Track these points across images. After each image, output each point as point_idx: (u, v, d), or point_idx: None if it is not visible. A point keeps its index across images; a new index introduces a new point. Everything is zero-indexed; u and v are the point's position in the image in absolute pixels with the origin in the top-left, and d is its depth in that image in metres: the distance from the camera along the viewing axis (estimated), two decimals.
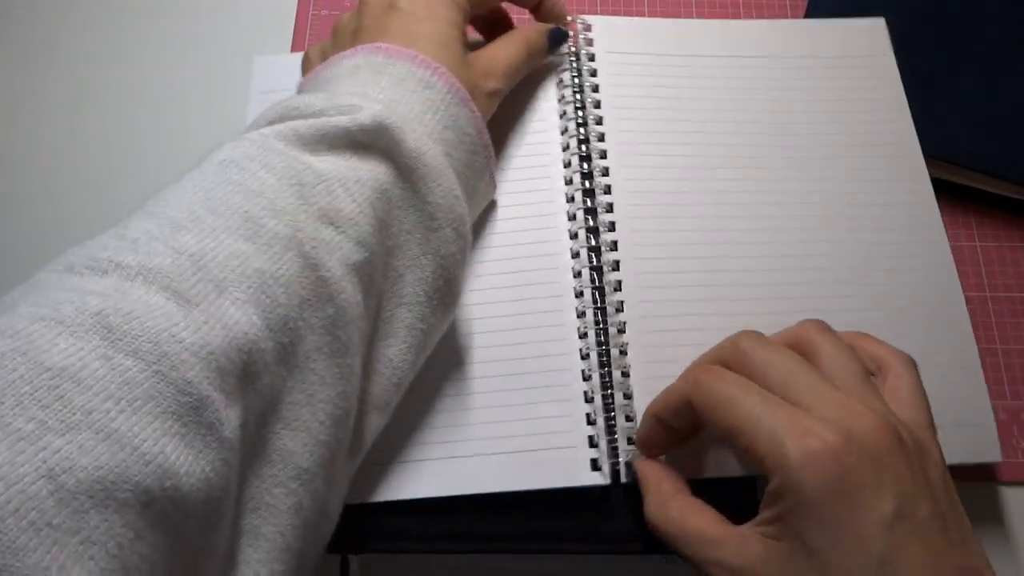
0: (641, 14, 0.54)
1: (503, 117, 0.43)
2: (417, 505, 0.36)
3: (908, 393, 0.32)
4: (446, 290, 0.34)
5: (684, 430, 0.33)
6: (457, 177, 0.34)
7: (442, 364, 0.38)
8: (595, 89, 0.44)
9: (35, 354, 0.22)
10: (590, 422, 0.37)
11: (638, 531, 0.35)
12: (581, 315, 0.39)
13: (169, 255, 0.26)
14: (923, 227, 0.42)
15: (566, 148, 0.43)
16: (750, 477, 0.36)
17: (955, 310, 0.40)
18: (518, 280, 0.40)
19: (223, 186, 0.29)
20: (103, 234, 0.27)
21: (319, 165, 0.31)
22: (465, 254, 0.35)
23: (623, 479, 0.36)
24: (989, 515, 0.41)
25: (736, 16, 0.54)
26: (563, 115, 0.44)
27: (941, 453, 0.31)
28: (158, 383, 0.24)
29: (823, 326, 0.33)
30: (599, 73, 0.44)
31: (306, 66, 0.41)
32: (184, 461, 0.23)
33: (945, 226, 0.47)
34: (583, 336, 0.39)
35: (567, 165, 0.42)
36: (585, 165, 0.42)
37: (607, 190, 0.41)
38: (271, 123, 0.32)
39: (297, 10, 0.54)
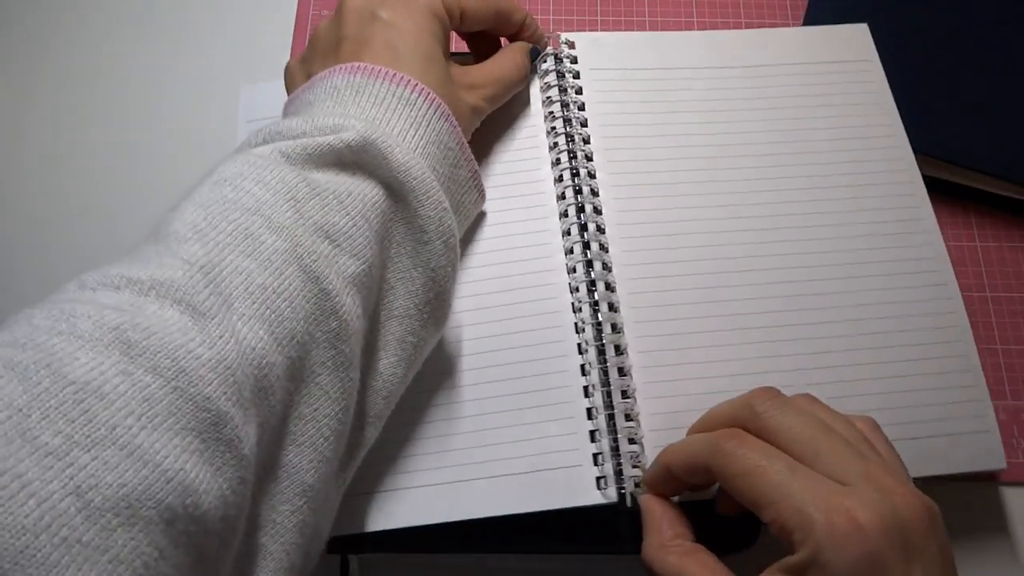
0: (641, 21, 0.54)
1: (491, 139, 0.43)
2: None
3: (890, 457, 0.31)
4: (436, 303, 0.34)
5: (697, 484, 0.33)
6: (444, 191, 0.34)
7: (440, 387, 0.38)
8: (581, 107, 0.44)
9: (58, 367, 0.22)
10: (593, 440, 0.37)
11: (637, 533, 0.35)
12: (580, 331, 0.39)
13: (180, 267, 0.26)
14: (918, 231, 0.42)
15: (556, 163, 0.43)
16: None
17: (954, 316, 0.40)
18: (514, 298, 0.40)
19: (219, 204, 0.29)
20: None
21: (311, 178, 0.31)
22: (455, 267, 0.35)
23: (628, 503, 0.35)
24: (990, 516, 0.41)
25: (737, 23, 0.54)
26: (551, 132, 0.43)
27: None
28: (177, 399, 0.24)
29: (778, 401, 0.32)
30: (584, 90, 0.44)
31: (288, 81, 0.40)
32: (204, 478, 0.23)
33: (945, 226, 0.47)
34: (583, 352, 0.38)
35: (559, 180, 0.42)
36: (576, 182, 0.42)
37: (598, 209, 0.41)
38: (256, 146, 0.32)
39: (297, 10, 0.54)
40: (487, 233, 0.41)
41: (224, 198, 0.29)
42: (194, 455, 0.23)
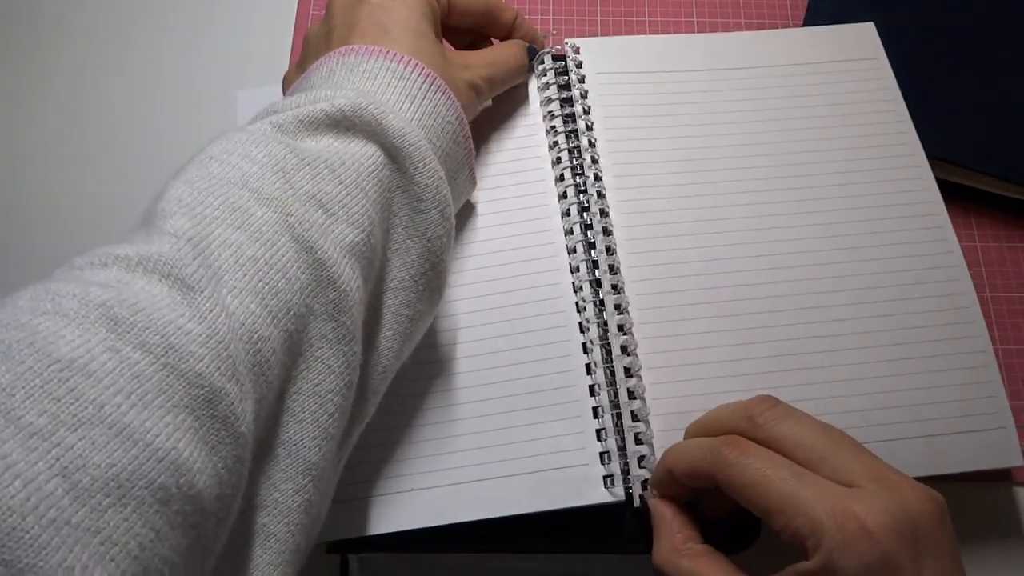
0: (640, 21, 0.54)
1: (493, 141, 0.44)
2: None
3: None
4: (432, 274, 0.33)
5: (700, 488, 0.33)
6: (440, 163, 0.34)
7: (444, 388, 0.38)
8: (587, 111, 0.44)
9: (42, 345, 0.22)
10: (600, 438, 0.37)
11: (643, 532, 0.35)
12: (585, 330, 0.39)
13: (167, 241, 0.26)
14: (932, 226, 0.42)
15: (557, 162, 0.43)
16: None
17: (969, 311, 0.40)
18: (517, 299, 0.40)
19: (205, 180, 0.28)
20: None
21: (301, 148, 0.30)
22: (451, 237, 0.34)
23: (636, 503, 0.35)
24: (1003, 515, 0.41)
25: (737, 23, 0.54)
26: (551, 132, 0.43)
27: None
28: (167, 376, 0.23)
29: (778, 410, 0.32)
30: (590, 94, 0.45)
31: (285, 87, 0.40)
32: (198, 457, 0.23)
33: None
34: (588, 351, 0.38)
35: (560, 179, 0.42)
36: (577, 181, 0.42)
37: (604, 211, 0.41)
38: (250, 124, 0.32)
39: (297, 10, 0.54)
40: (490, 233, 0.41)
41: (211, 174, 0.28)
42: (187, 433, 0.23)
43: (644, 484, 0.35)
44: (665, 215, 0.42)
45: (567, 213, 0.41)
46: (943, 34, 0.50)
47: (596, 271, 0.40)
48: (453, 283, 0.40)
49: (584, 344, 0.38)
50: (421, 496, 0.35)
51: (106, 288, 0.24)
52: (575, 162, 0.42)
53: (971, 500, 0.40)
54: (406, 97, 0.34)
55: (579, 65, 0.45)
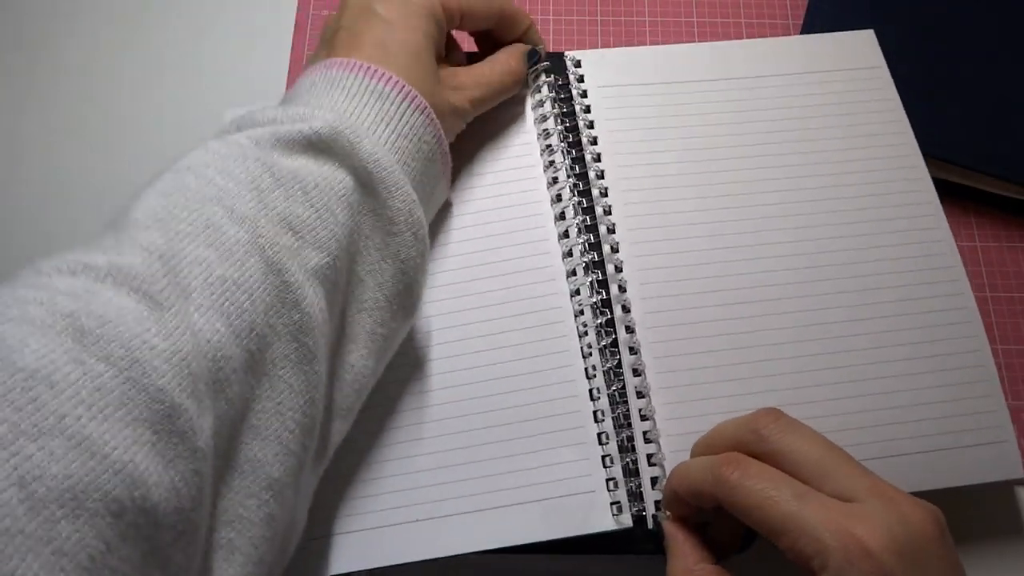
0: (640, 21, 0.54)
1: (488, 161, 0.43)
2: None
3: None
4: (406, 294, 0.34)
5: (705, 508, 0.33)
6: (413, 185, 0.34)
7: (446, 416, 0.37)
8: (590, 125, 0.44)
9: (6, 353, 0.22)
10: (605, 464, 0.37)
11: (645, 532, 0.36)
12: (587, 355, 0.38)
13: (139, 254, 0.26)
14: (933, 240, 0.42)
15: (554, 182, 0.42)
16: None
17: (971, 327, 0.40)
18: (520, 323, 0.39)
19: (180, 192, 0.28)
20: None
21: (277, 168, 0.31)
22: (424, 258, 0.35)
23: (650, 525, 0.36)
24: (1004, 516, 0.41)
25: (736, 23, 0.54)
26: (549, 152, 0.43)
27: None
28: (129, 390, 0.23)
29: (783, 423, 0.32)
30: (593, 108, 0.44)
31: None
32: (154, 470, 0.23)
33: None
34: (590, 377, 0.38)
35: (557, 200, 0.42)
36: (582, 201, 0.42)
37: (612, 228, 0.41)
38: (228, 133, 0.33)
39: (297, 10, 0.54)
40: (485, 258, 0.41)
41: (186, 186, 0.29)
42: (144, 447, 0.23)
43: (657, 505, 0.36)
44: (673, 230, 0.41)
45: (565, 235, 0.41)
46: (943, 33, 0.50)
47: (603, 292, 0.39)
48: (450, 309, 0.39)
49: (586, 370, 0.38)
50: (425, 526, 0.35)
51: (74, 297, 0.24)
52: (575, 180, 0.42)
53: (971, 500, 0.41)
54: (383, 118, 0.34)
55: (580, 79, 0.45)
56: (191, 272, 0.27)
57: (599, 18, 0.54)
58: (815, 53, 0.47)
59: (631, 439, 0.37)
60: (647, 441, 0.37)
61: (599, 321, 0.39)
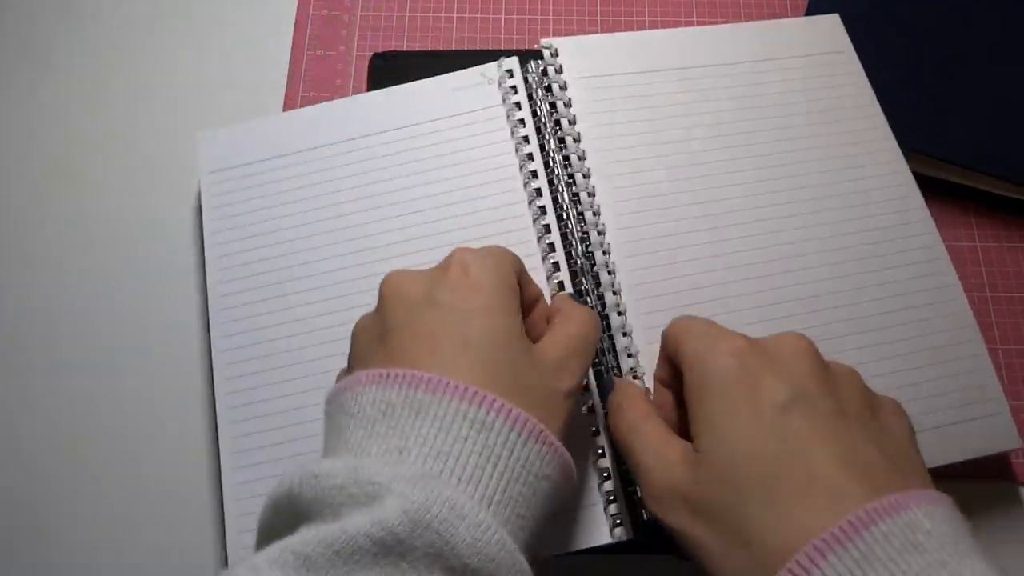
0: (640, 20, 0.54)
1: (473, 170, 0.43)
2: None
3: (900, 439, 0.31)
4: None
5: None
6: (528, 541, 0.27)
7: None
8: (572, 121, 0.43)
9: None
10: (606, 477, 0.36)
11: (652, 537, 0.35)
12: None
13: None
14: (910, 221, 0.42)
15: (538, 194, 0.42)
16: None
17: (953, 301, 0.40)
18: None
19: None
20: None
21: None
22: None
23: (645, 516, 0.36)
24: (1007, 516, 0.41)
25: (736, 16, 0.54)
26: (525, 147, 0.43)
27: (900, 412, 0.31)
28: None
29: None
30: (574, 102, 0.43)
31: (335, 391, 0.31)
32: None
33: (945, 226, 0.47)
34: (587, 389, 0.38)
35: (542, 209, 0.41)
36: (565, 201, 0.41)
37: (601, 232, 0.41)
38: (275, 534, 0.26)
39: (297, 10, 0.54)
40: None
41: None
42: None
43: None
44: (664, 227, 0.41)
45: (551, 247, 0.40)
46: (944, 33, 0.50)
47: (601, 302, 0.39)
48: None
49: (586, 383, 0.38)
50: None
51: None
52: (558, 179, 0.42)
53: (974, 500, 0.40)
54: (489, 458, 0.27)
55: (559, 70, 0.44)
56: None
57: (599, 18, 0.54)
58: (786, 38, 0.47)
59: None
60: None
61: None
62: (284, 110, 0.51)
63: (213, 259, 0.42)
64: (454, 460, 0.26)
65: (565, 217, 0.41)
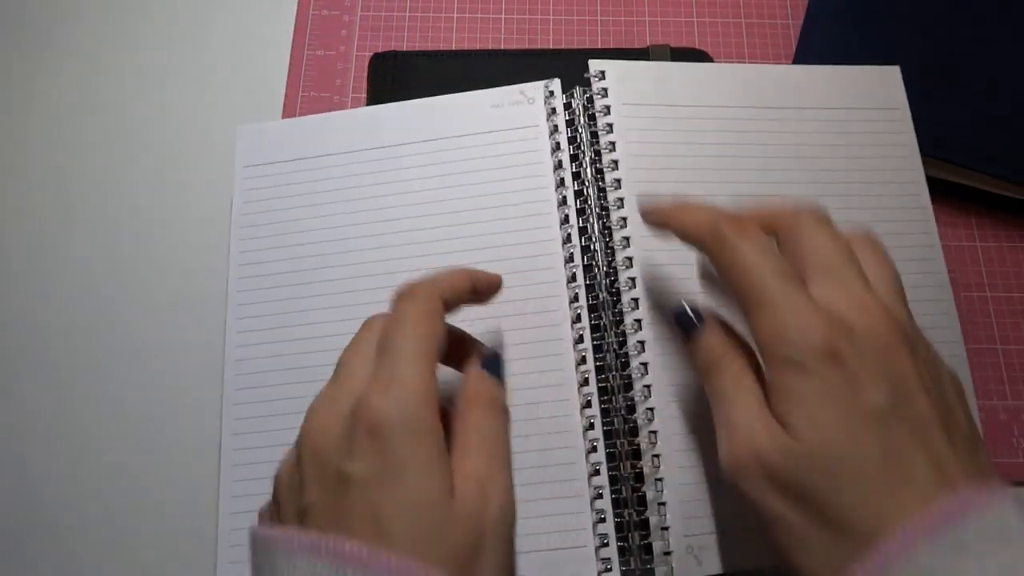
0: (641, 20, 0.54)
1: (505, 189, 0.42)
2: None
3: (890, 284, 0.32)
4: None
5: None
6: None
7: None
8: (611, 147, 0.42)
9: None
10: (601, 520, 0.36)
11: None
12: (587, 405, 0.38)
13: None
14: (931, 280, 0.42)
15: (564, 221, 0.41)
16: None
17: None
18: (521, 368, 0.39)
19: None
20: None
21: None
22: None
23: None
24: None
25: (736, 22, 0.54)
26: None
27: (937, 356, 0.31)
28: None
29: (820, 219, 0.32)
30: (615, 128, 0.42)
31: (258, 537, 0.29)
32: None
33: (945, 226, 0.47)
34: (592, 427, 0.38)
35: (567, 242, 0.41)
36: (604, 240, 0.41)
37: (628, 263, 0.40)
38: None
39: (297, 10, 0.54)
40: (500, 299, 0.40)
41: None
42: None
43: (666, 555, 0.35)
44: (686, 281, 0.39)
45: (572, 278, 0.40)
46: (944, 32, 0.50)
47: (619, 343, 0.39)
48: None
49: (592, 422, 0.38)
50: None
51: None
52: (590, 208, 0.41)
53: None
54: None
55: (603, 94, 0.43)
56: None
57: (599, 18, 0.54)
58: (842, 86, 0.45)
59: (637, 492, 0.36)
60: (640, 505, 0.36)
61: (613, 373, 0.38)
62: (284, 110, 0.51)
63: (237, 254, 0.43)
64: None
65: (593, 248, 0.41)
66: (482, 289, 0.35)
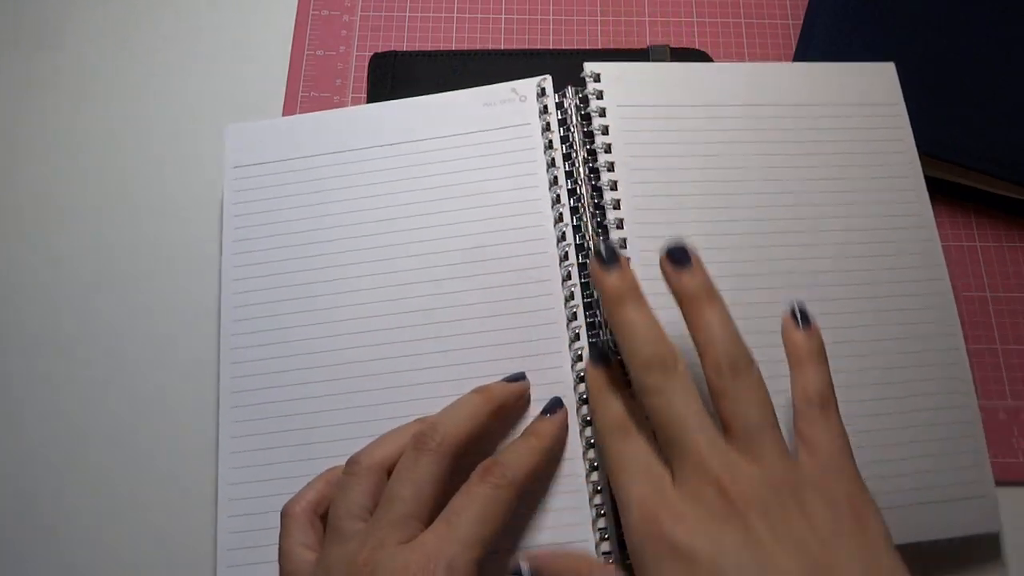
0: (641, 20, 0.54)
1: (498, 187, 0.42)
2: None
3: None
4: None
5: None
6: None
7: None
8: (607, 148, 0.42)
9: None
10: (601, 514, 0.36)
11: None
12: (583, 402, 0.38)
13: None
14: (931, 281, 0.41)
15: (559, 219, 0.41)
16: None
17: (959, 368, 0.40)
18: (515, 367, 0.39)
19: None
20: None
21: None
22: None
23: None
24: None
25: (736, 22, 0.54)
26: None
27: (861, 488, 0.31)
28: None
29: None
30: (611, 131, 0.42)
31: None
32: None
33: (945, 226, 0.47)
34: (586, 425, 0.38)
35: (561, 238, 0.41)
36: (587, 233, 0.40)
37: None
38: None
39: (297, 10, 0.54)
40: (485, 296, 0.40)
41: None
42: None
43: None
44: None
45: (568, 277, 0.40)
46: (944, 32, 0.50)
47: (615, 342, 0.38)
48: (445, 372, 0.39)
49: (589, 419, 0.38)
50: None
51: None
52: (584, 207, 0.41)
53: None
54: None
55: (599, 96, 0.43)
56: None
57: (599, 18, 0.54)
58: (838, 83, 0.45)
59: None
60: None
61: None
62: (284, 110, 0.51)
63: (229, 256, 0.42)
64: None
65: (588, 247, 0.40)
66: (508, 407, 0.37)
